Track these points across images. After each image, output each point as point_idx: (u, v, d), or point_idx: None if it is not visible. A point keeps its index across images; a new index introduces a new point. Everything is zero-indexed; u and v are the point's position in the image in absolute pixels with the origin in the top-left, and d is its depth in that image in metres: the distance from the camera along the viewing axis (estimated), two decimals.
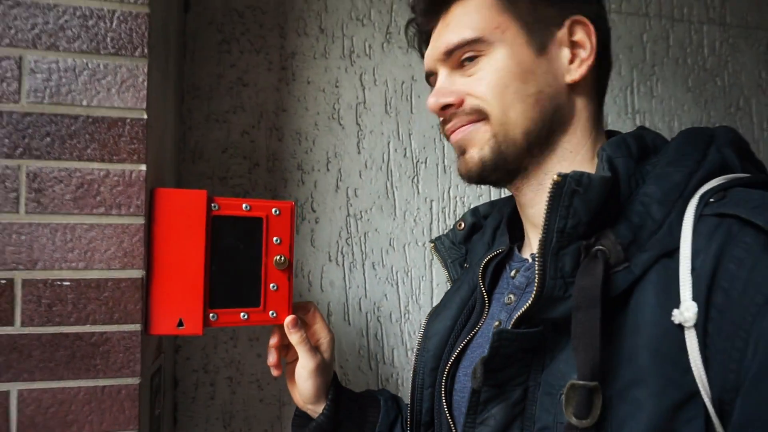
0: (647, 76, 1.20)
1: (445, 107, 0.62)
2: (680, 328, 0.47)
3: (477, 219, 0.80)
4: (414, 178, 1.08)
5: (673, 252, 0.50)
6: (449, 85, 0.62)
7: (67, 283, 0.66)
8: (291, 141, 1.03)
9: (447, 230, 0.82)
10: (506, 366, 0.54)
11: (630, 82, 1.19)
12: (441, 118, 0.64)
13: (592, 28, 0.60)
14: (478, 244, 0.77)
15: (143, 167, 0.67)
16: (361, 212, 1.05)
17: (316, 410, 0.76)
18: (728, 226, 0.48)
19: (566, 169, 0.61)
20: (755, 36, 1.26)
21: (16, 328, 0.65)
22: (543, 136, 0.61)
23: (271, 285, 0.73)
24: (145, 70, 0.68)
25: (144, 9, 0.68)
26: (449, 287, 0.78)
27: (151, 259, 0.69)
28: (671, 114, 1.21)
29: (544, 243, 0.51)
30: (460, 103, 0.61)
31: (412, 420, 0.72)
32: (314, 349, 0.75)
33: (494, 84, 0.59)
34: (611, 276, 0.50)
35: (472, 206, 1.09)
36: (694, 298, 0.47)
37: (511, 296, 0.65)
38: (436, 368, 0.69)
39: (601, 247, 0.50)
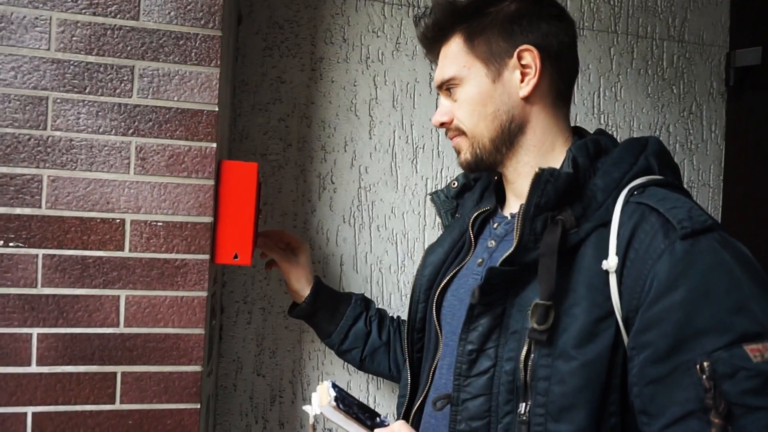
0: (612, 83, 1.43)
1: (442, 124, 0.88)
2: (606, 272, 0.70)
3: (467, 180, 1.02)
4: (413, 160, 1.34)
5: (607, 223, 0.73)
6: (443, 107, 0.88)
7: (161, 224, 0.94)
8: (317, 127, 1.30)
9: (442, 187, 1.06)
10: (493, 291, 0.76)
11: (597, 87, 1.42)
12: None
13: (536, 52, 0.80)
14: (468, 200, 0.99)
15: (214, 145, 0.95)
16: (370, 185, 1.32)
17: (298, 299, 1.12)
18: (642, 210, 0.71)
19: (531, 158, 0.84)
20: (709, 52, 1.48)
21: (125, 253, 0.93)
22: (505, 139, 0.83)
23: None
24: (218, 76, 0.95)
25: (218, 33, 0.95)
26: (442, 231, 1.02)
27: (218, 209, 0.97)
28: (631, 115, 1.44)
29: (526, 211, 0.74)
30: (451, 121, 0.87)
31: (409, 326, 0.97)
32: (289, 255, 1.12)
33: (464, 110, 0.84)
34: (566, 236, 0.73)
35: None
36: (617, 254, 0.70)
37: (492, 242, 0.88)
38: (430, 289, 0.93)
39: (561, 217, 0.73)
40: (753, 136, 1.42)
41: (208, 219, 0.95)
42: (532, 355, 0.72)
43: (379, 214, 1.32)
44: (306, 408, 0.79)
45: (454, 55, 0.85)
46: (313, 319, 1.13)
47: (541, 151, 0.84)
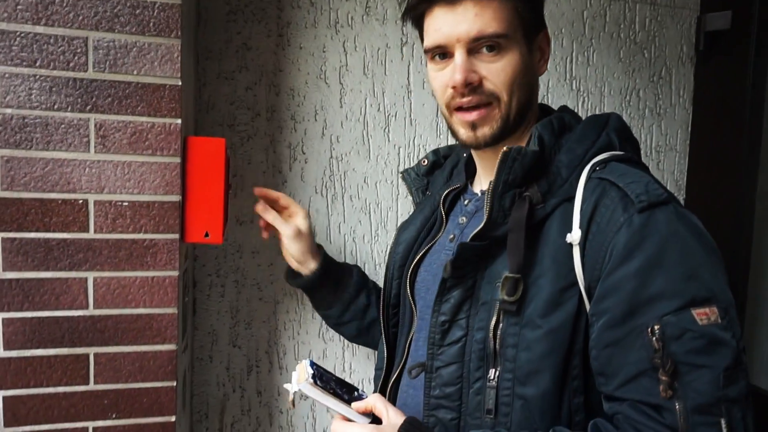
0: (585, 48, 1.42)
1: (468, 84, 0.76)
2: (570, 245, 0.74)
3: (437, 158, 1.05)
4: (386, 128, 1.32)
5: (571, 198, 0.76)
6: (471, 66, 0.76)
7: (126, 204, 0.91)
8: (286, 96, 1.26)
9: (413, 165, 1.08)
10: (465, 265, 0.79)
11: (570, 52, 1.41)
12: (452, 91, 0.77)
13: (549, 37, 0.84)
14: (439, 178, 1.02)
15: (179, 121, 0.91)
16: (341, 155, 1.30)
17: (302, 269, 1.08)
18: (603, 185, 0.75)
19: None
20: (680, 15, 1.47)
21: (90, 234, 0.91)
22: (524, 115, 0.82)
23: None
24: (179, 48, 0.90)
25: (177, 0, 0.90)
26: (414, 209, 1.04)
27: (186, 187, 0.94)
28: (603, 81, 1.44)
29: (494, 188, 0.76)
30: (480, 84, 0.77)
31: (384, 302, 0.99)
32: (289, 221, 1.05)
33: (509, 77, 0.77)
34: (533, 211, 0.76)
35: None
36: (580, 227, 0.73)
37: (464, 218, 0.90)
38: (403, 266, 0.96)
39: (527, 193, 0.76)
40: (719, 102, 1.44)
41: (176, 198, 0.92)
42: (501, 324, 0.76)
43: (352, 184, 1.30)
44: (286, 386, 0.81)
45: (503, 10, 0.76)
46: (315, 291, 1.10)
47: (529, 126, 0.86)
